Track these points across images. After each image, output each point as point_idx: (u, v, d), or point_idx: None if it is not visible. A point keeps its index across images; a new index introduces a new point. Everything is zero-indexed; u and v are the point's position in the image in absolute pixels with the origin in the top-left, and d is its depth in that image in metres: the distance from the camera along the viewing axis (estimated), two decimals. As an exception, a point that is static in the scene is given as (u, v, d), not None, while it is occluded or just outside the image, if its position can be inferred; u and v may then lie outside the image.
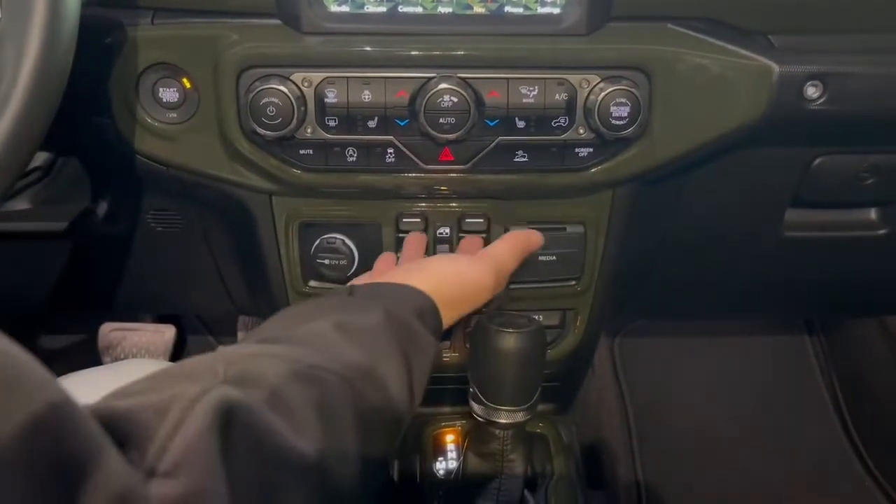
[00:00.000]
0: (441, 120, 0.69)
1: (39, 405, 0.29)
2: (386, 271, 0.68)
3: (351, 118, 0.71)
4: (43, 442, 0.29)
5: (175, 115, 0.73)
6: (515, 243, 0.74)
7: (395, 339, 0.55)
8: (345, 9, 0.70)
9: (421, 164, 0.74)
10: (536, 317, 0.77)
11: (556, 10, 0.71)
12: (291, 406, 0.44)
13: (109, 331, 1.35)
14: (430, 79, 0.70)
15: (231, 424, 0.38)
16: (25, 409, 0.29)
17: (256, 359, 0.46)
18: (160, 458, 0.35)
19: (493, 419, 0.74)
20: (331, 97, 0.70)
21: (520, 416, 0.74)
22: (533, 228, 0.79)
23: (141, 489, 0.33)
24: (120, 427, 0.36)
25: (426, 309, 0.60)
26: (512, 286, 0.83)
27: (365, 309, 0.57)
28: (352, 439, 0.48)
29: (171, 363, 0.45)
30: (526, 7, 0.71)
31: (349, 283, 0.62)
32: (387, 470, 0.56)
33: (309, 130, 0.71)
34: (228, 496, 0.36)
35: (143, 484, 0.34)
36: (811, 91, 0.72)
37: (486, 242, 0.81)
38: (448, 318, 0.63)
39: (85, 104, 0.71)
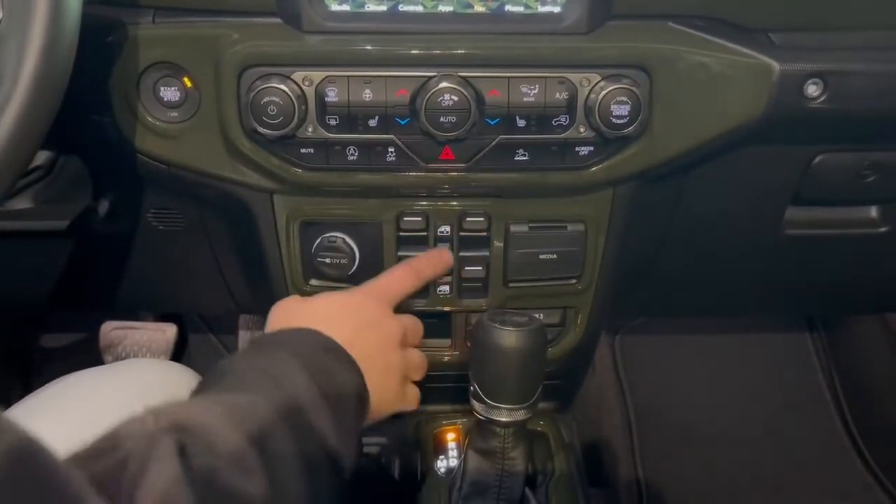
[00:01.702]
0: (442, 119, 0.70)
1: (11, 448, 0.31)
2: (280, 320, 0.71)
3: (352, 117, 0.71)
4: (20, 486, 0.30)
5: (176, 114, 0.73)
6: (405, 267, 0.78)
7: (309, 374, 0.58)
8: (345, 8, 0.70)
9: (422, 162, 0.74)
10: (537, 315, 0.77)
11: (557, 9, 0.71)
12: (229, 446, 0.46)
13: (111, 329, 1.35)
14: (430, 77, 0.70)
15: (185, 450, 0.42)
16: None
17: (185, 406, 0.49)
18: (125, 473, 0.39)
19: (494, 417, 0.74)
20: (331, 96, 0.70)
21: (520, 415, 0.74)
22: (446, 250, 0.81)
23: None
24: (97, 483, 0.37)
25: (328, 342, 0.64)
26: (512, 284, 0.83)
27: (275, 355, 0.60)
28: (293, 468, 0.51)
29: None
30: (526, 6, 0.71)
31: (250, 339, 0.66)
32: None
33: (310, 129, 0.71)
34: None
35: None
36: (812, 89, 0.72)
37: (486, 241, 0.81)
38: (348, 344, 0.65)
39: (86, 103, 0.71)
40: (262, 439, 0.49)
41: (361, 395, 0.63)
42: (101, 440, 0.44)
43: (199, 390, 0.57)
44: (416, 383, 0.77)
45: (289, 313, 0.71)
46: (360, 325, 0.69)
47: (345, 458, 0.58)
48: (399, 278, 0.77)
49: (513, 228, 0.81)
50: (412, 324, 0.77)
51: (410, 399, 0.74)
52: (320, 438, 0.56)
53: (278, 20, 0.71)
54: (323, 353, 0.62)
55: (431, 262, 0.80)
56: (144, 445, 0.41)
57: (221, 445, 0.46)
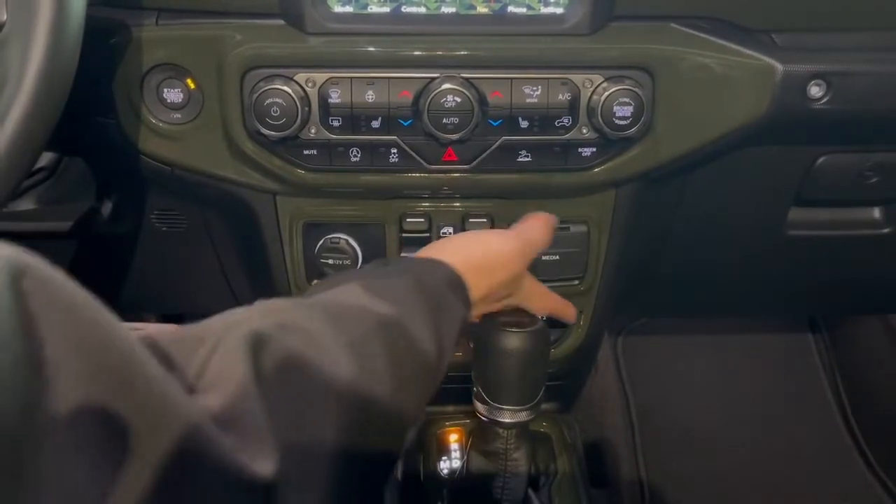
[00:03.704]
0: (444, 120, 0.70)
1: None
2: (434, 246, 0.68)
3: (355, 118, 0.71)
4: (105, 395, 0.31)
5: (179, 116, 0.73)
6: (545, 221, 0.72)
7: (424, 301, 0.56)
8: (348, 9, 0.70)
9: (424, 164, 0.74)
10: (540, 316, 0.77)
11: (560, 10, 0.71)
12: (324, 343, 0.46)
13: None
14: (433, 79, 0.70)
15: (262, 350, 0.41)
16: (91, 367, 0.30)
17: (290, 309, 0.48)
18: (199, 377, 0.39)
19: (497, 418, 0.74)
20: (334, 97, 0.70)
21: (523, 416, 0.74)
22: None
23: (204, 425, 0.35)
24: (162, 353, 0.38)
25: (454, 280, 0.61)
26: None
27: (393, 276, 0.58)
28: (385, 377, 0.49)
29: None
30: (529, 7, 0.71)
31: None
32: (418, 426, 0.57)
33: (313, 131, 0.71)
34: (263, 413, 0.38)
35: (190, 401, 0.36)
36: (815, 90, 0.72)
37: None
38: (476, 288, 0.62)
39: (90, 104, 0.72)
40: (358, 348, 0.48)
41: (465, 323, 0.61)
42: (209, 320, 0.45)
43: (312, 295, 0.56)
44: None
45: (445, 242, 0.68)
46: (501, 283, 0.66)
47: (438, 371, 0.56)
48: (544, 236, 0.71)
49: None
50: (538, 291, 0.74)
51: None
52: (418, 351, 0.53)
53: (281, 22, 0.71)
54: (445, 286, 0.59)
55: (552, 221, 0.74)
56: (225, 327, 0.42)
57: (311, 345, 0.45)
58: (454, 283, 0.60)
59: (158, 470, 0.32)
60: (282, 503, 0.37)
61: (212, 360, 0.39)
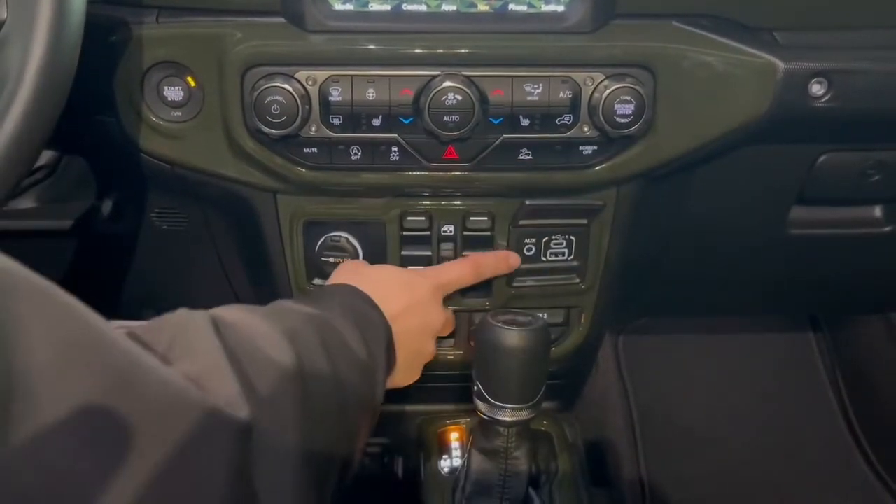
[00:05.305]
0: (445, 118, 0.70)
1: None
2: (339, 279, 0.74)
3: (355, 116, 0.71)
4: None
5: (180, 114, 0.73)
6: (465, 264, 0.79)
7: (350, 314, 0.62)
8: (349, 7, 0.70)
9: (425, 162, 0.74)
10: (541, 315, 0.77)
11: (561, 8, 0.71)
12: (263, 331, 0.51)
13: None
14: (434, 77, 0.70)
15: (220, 328, 0.47)
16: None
17: (226, 308, 0.54)
18: (169, 350, 0.44)
19: (498, 417, 0.74)
20: (335, 95, 0.70)
21: (524, 414, 0.74)
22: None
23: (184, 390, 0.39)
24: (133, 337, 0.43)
25: (364, 295, 0.67)
26: (516, 284, 0.83)
27: (318, 297, 0.65)
28: (323, 362, 0.54)
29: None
30: (530, 5, 0.71)
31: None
32: (359, 457, 0.61)
33: (313, 129, 0.71)
34: (233, 375, 0.43)
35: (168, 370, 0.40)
36: (816, 88, 0.72)
37: (490, 241, 0.81)
38: (391, 317, 0.67)
39: (90, 102, 0.72)
40: (294, 334, 0.52)
41: (390, 343, 0.65)
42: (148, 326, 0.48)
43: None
44: (420, 383, 0.78)
45: (349, 274, 0.73)
46: (409, 305, 0.70)
47: (371, 372, 0.60)
48: (459, 271, 0.78)
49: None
50: (451, 319, 0.80)
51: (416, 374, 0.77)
52: (349, 349, 0.58)
53: (282, 19, 0.71)
54: (362, 302, 0.65)
55: (494, 262, 0.81)
56: (182, 320, 0.47)
57: (255, 330, 0.50)
58: (366, 298, 0.66)
59: (159, 435, 0.36)
60: (260, 444, 0.42)
61: (177, 338, 0.44)
